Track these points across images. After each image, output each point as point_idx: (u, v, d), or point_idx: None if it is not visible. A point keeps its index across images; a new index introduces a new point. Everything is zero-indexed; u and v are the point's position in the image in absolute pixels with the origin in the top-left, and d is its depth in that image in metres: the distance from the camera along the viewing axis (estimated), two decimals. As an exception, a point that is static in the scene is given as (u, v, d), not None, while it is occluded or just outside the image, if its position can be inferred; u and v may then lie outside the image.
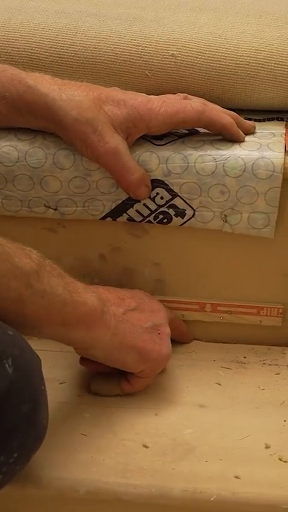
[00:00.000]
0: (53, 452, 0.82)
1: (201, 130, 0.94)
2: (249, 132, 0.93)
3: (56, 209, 0.94)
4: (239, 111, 0.95)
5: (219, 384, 0.93)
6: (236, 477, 0.80)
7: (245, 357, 0.98)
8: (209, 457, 0.82)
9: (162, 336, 0.88)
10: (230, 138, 0.91)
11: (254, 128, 0.93)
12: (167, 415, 0.88)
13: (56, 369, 0.93)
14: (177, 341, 0.98)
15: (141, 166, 0.89)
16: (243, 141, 0.91)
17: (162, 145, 0.91)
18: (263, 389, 0.92)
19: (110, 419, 0.87)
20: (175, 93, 0.92)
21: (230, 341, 1.00)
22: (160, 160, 0.90)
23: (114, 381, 0.89)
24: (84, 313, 0.79)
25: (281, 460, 0.82)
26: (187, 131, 0.94)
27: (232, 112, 0.92)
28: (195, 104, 0.89)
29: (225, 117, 0.90)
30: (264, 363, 0.96)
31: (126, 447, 0.83)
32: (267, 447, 0.83)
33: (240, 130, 0.91)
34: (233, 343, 1.00)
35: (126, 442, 0.84)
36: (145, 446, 0.83)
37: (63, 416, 0.87)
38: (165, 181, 0.91)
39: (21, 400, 0.68)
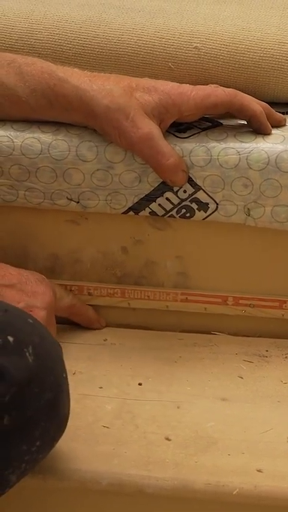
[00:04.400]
0: (75, 444, 0.82)
1: (225, 123, 0.94)
2: (280, 124, 0.92)
3: (78, 202, 0.94)
4: (263, 103, 0.95)
5: (241, 377, 0.93)
6: (259, 471, 0.79)
7: (267, 351, 0.97)
8: (231, 450, 0.82)
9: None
10: (257, 128, 0.91)
11: (285, 120, 0.93)
12: (189, 408, 0.88)
13: (76, 361, 0.93)
14: (86, 327, 0.98)
15: (176, 152, 0.89)
16: (270, 133, 0.91)
17: (186, 138, 0.91)
18: (285, 382, 0.92)
19: (132, 411, 0.87)
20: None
21: (252, 334, 0.99)
22: (183, 152, 0.90)
23: None
24: None
25: (303, 454, 0.82)
26: (210, 123, 0.93)
27: (264, 103, 0.92)
28: (227, 89, 0.89)
29: (256, 105, 0.90)
30: (286, 357, 0.96)
31: (148, 440, 0.83)
32: (289, 441, 0.83)
33: (268, 122, 0.91)
34: (255, 336, 0.99)
35: (148, 434, 0.84)
36: (167, 439, 0.83)
37: (85, 408, 0.87)
38: (189, 174, 0.90)
39: (42, 388, 0.68)
